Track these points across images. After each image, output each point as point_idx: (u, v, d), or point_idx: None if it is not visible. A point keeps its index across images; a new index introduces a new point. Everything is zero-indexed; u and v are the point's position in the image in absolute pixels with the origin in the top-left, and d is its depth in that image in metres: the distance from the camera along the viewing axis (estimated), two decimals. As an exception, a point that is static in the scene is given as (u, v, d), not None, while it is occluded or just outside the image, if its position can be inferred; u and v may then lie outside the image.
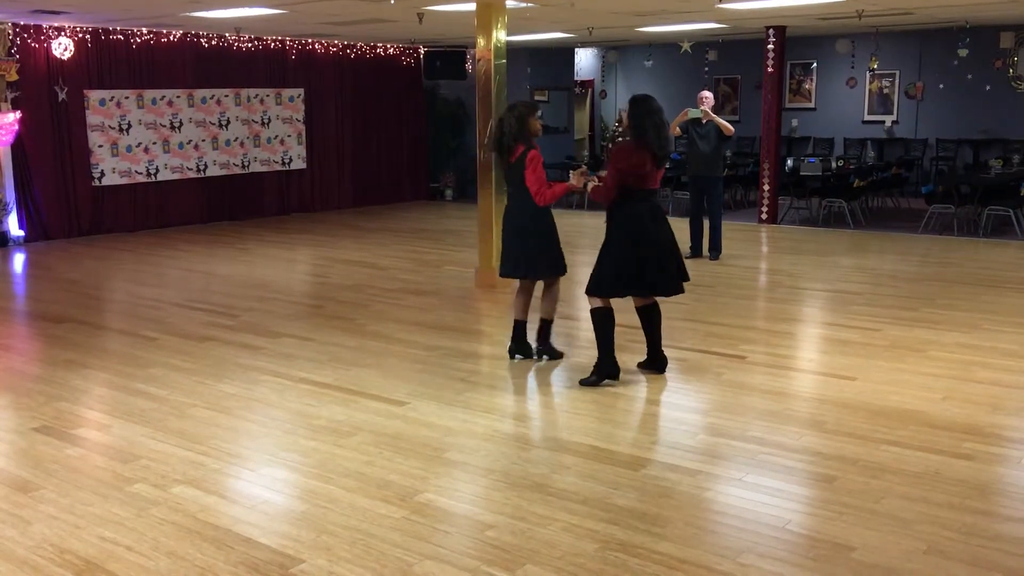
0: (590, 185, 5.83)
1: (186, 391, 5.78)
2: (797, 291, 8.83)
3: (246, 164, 14.56)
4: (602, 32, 14.17)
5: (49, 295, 9.08)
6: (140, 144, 13.19)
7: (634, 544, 3.68)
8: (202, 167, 13.98)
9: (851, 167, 13.74)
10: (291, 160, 15.17)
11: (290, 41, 14.75)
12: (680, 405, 5.50)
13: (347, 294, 8.79)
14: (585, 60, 19.39)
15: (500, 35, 8.75)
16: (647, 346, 5.99)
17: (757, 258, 10.95)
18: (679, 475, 4.39)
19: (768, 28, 13.23)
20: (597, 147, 19.46)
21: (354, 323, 7.58)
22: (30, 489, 4.29)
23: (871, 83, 16.67)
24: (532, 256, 6.17)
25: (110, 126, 12.85)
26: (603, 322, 5.70)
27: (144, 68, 13.11)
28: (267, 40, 14.43)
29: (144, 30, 12.89)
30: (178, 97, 13.55)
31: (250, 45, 14.22)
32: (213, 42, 13.73)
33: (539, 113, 6.23)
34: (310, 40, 14.97)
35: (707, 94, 10.37)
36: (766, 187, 13.43)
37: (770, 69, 13.36)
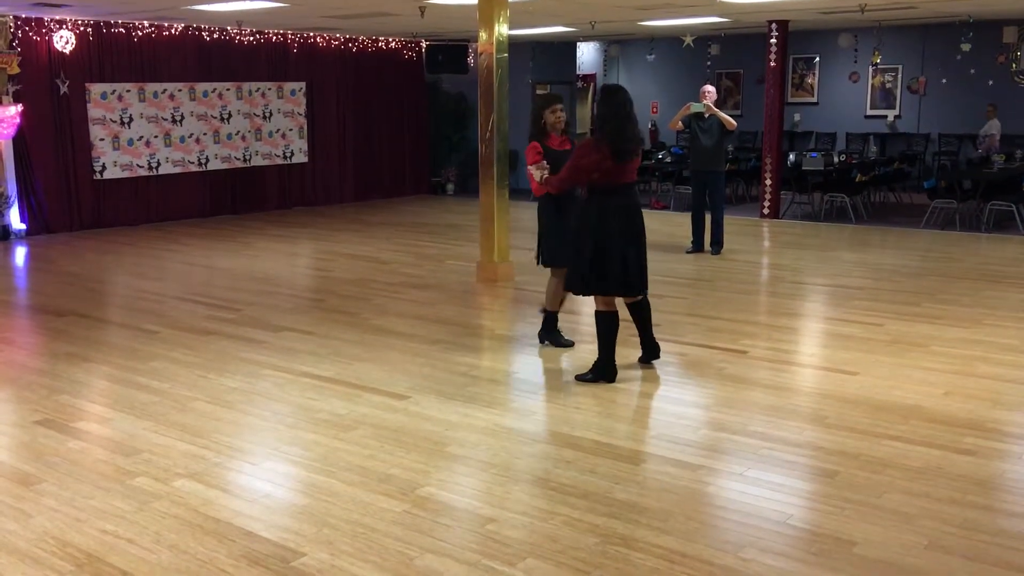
0: (542, 175, 5.87)
1: (187, 384, 5.78)
2: (799, 286, 8.82)
3: (247, 158, 14.55)
4: (604, 26, 14.14)
5: (50, 288, 9.08)
6: (141, 138, 13.19)
7: (635, 538, 3.68)
8: (203, 161, 13.97)
9: (853, 162, 13.72)
10: (292, 154, 15.16)
11: (292, 35, 14.73)
12: (681, 400, 5.50)
13: (348, 288, 8.79)
14: (587, 54, 19.36)
15: (502, 29, 8.73)
16: (640, 339, 6.02)
17: (759, 253, 10.95)
18: (680, 470, 4.39)
19: (770, 22, 13.20)
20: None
21: (356, 317, 7.58)
22: (31, 482, 4.30)
23: (874, 78, 16.65)
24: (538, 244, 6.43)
25: (111, 119, 12.84)
26: (606, 326, 5.68)
27: (145, 61, 13.10)
28: (269, 34, 14.42)
29: (145, 23, 12.87)
30: (179, 91, 13.54)
31: (252, 39, 14.20)
32: (215, 35, 13.72)
33: (556, 106, 6.19)
34: (312, 34, 14.94)
35: (709, 88, 10.35)
36: (768, 182, 13.42)
37: (772, 63, 13.33)
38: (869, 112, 16.87)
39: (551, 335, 6.57)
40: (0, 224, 11.83)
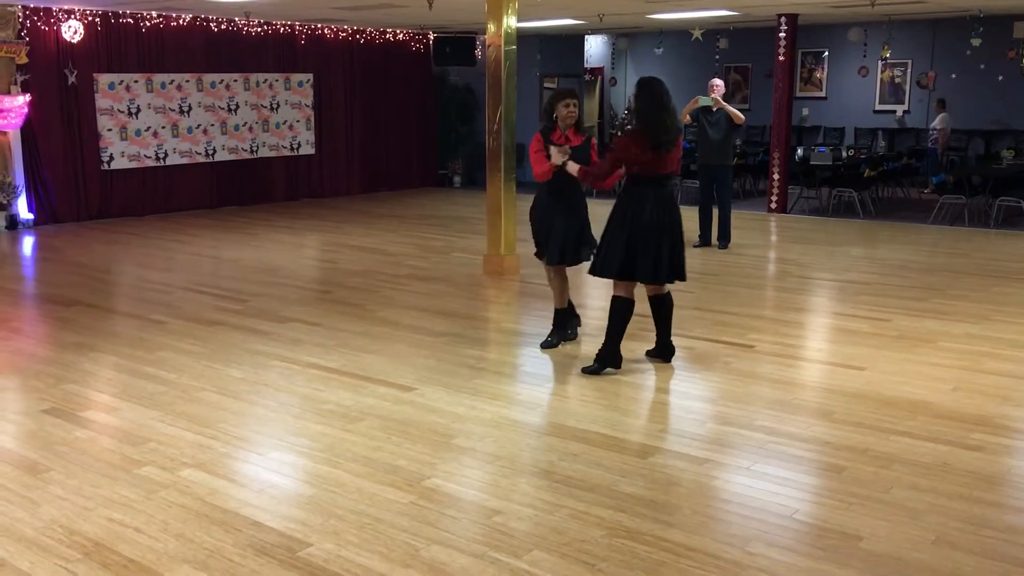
0: (570, 165, 5.81)
1: (194, 375, 5.79)
2: (806, 281, 8.80)
3: (255, 149, 14.55)
4: (612, 19, 14.10)
5: (58, 278, 9.10)
6: (149, 128, 13.20)
7: (641, 531, 3.68)
8: (211, 152, 13.98)
9: (862, 157, 13.67)
10: (300, 145, 15.16)
11: (299, 26, 14.72)
12: (688, 394, 5.49)
13: (355, 280, 8.80)
14: (595, 47, 19.31)
15: (510, 21, 8.71)
16: (656, 335, 5.97)
17: (766, 247, 10.92)
18: (687, 463, 4.39)
19: (780, 16, 13.15)
20: (606, 135, 19.39)
21: (362, 309, 7.58)
22: (39, 471, 4.31)
23: (883, 72, 16.58)
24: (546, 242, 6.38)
25: (119, 110, 12.85)
26: (620, 313, 5.67)
27: (153, 52, 13.11)
28: (276, 25, 14.41)
29: (154, 14, 12.87)
30: (187, 81, 13.55)
31: (259, 30, 14.19)
32: (222, 26, 13.71)
33: (568, 100, 6.10)
34: (319, 25, 14.93)
35: (718, 82, 10.32)
36: (776, 176, 13.38)
37: (781, 57, 13.29)
38: (878, 107, 16.80)
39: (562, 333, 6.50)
40: (8, 214, 11.86)
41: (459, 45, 16.20)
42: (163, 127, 13.37)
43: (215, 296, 8.09)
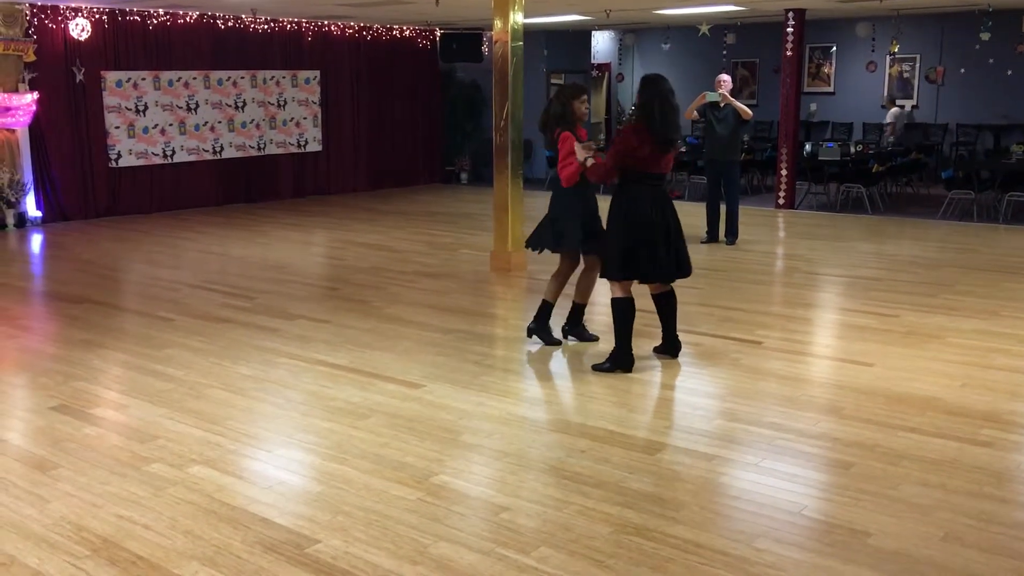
0: (589, 162, 5.77)
1: (202, 372, 5.81)
2: (814, 276, 8.78)
3: (262, 146, 14.57)
4: (619, 15, 14.07)
5: (66, 275, 9.13)
6: (156, 126, 13.22)
7: (649, 528, 3.67)
8: (218, 149, 14.00)
9: (870, 152, 13.62)
10: (307, 142, 15.17)
11: (306, 23, 14.73)
12: (696, 390, 5.48)
13: (362, 277, 8.80)
14: (602, 43, 19.28)
15: (517, 17, 8.70)
16: (662, 331, 5.96)
17: (774, 243, 10.90)
18: (694, 460, 4.38)
19: (787, 11, 13.10)
20: (613, 131, 19.36)
21: (369, 306, 7.59)
22: (48, 467, 4.32)
23: (891, 67, 16.50)
24: (538, 230, 6.29)
25: (127, 107, 12.87)
26: (622, 313, 5.67)
27: (161, 49, 13.13)
28: (283, 22, 14.41)
29: (161, 11, 12.88)
30: (194, 79, 13.56)
31: (266, 27, 14.20)
32: (229, 23, 13.73)
33: (584, 96, 6.06)
34: (326, 22, 14.93)
35: (725, 77, 10.28)
36: (784, 172, 13.34)
37: (789, 52, 13.24)
38: (886, 102, 16.73)
39: (543, 328, 6.38)
40: (16, 211, 11.89)
41: (466, 41, 16.19)
42: (170, 124, 13.39)
43: (223, 293, 8.10)
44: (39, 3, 11.79)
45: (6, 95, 11.51)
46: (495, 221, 9.07)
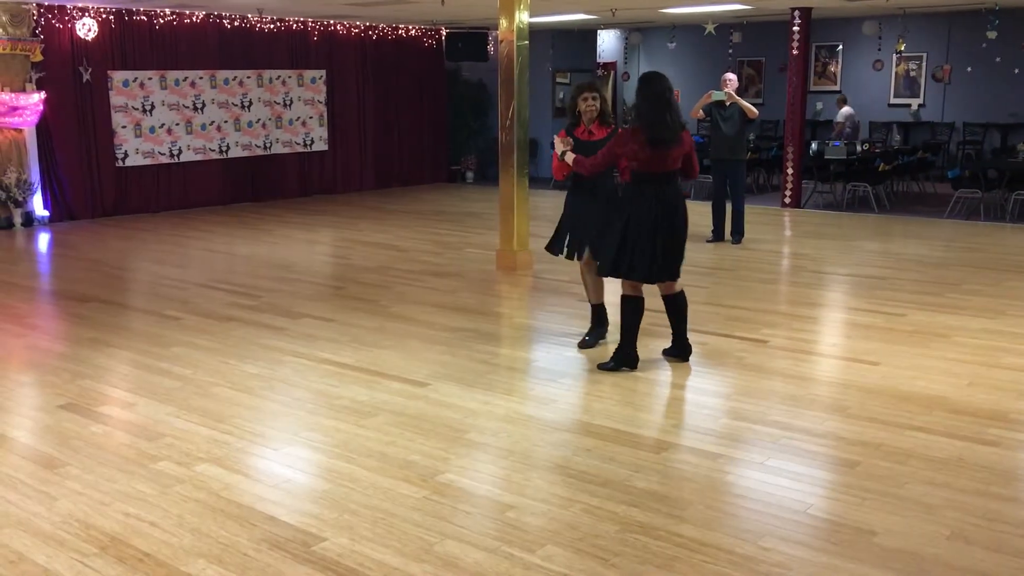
0: (568, 157, 5.77)
1: (209, 370, 5.82)
2: (820, 275, 8.76)
3: (268, 146, 14.60)
4: (625, 13, 14.06)
5: (73, 274, 9.16)
6: (163, 125, 13.25)
7: (655, 526, 3.68)
8: (224, 148, 14.03)
9: (876, 151, 13.60)
10: (313, 142, 15.19)
11: (312, 22, 14.75)
12: (702, 389, 5.48)
13: (368, 276, 8.81)
14: (608, 42, 19.27)
15: (523, 16, 8.70)
16: (672, 333, 5.93)
17: (780, 242, 10.88)
18: (700, 458, 4.38)
19: (793, 9, 13.08)
20: (618, 130, 19.32)
21: (375, 304, 7.60)
22: (56, 466, 4.34)
23: (898, 66, 16.48)
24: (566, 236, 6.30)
25: (133, 107, 12.91)
26: (630, 311, 5.66)
27: (167, 49, 13.16)
28: (289, 21, 14.44)
29: (167, 11, 12.91)
30: (201, 78, 13.59)
31: (272, 26, 14.23)
32: (236, 23, 13.75)
33: (587, 94, 6.04)
34: (332, 21, 14.95)
35: (731, 76, 10.27)
36: (790, 171, 13.33)
37: (795, 51, 13.22)
38: (893, 101, 16.71)
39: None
40: (23, 210, 11.93)
41: (471, 41, 16.19)
42: (177, 124, 13.42)
43: (229, 292, 8.12)
44: (46, 3, 11.83)
45: (13, 95, 11.55)
46: (501, 220, 9.07)
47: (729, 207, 10.43)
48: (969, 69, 15.73)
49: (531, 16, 8.96)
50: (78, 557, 3.48)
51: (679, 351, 5.92)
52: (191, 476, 4.20)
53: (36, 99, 11.75)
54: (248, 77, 14.17)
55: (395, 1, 11.97)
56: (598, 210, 5.96)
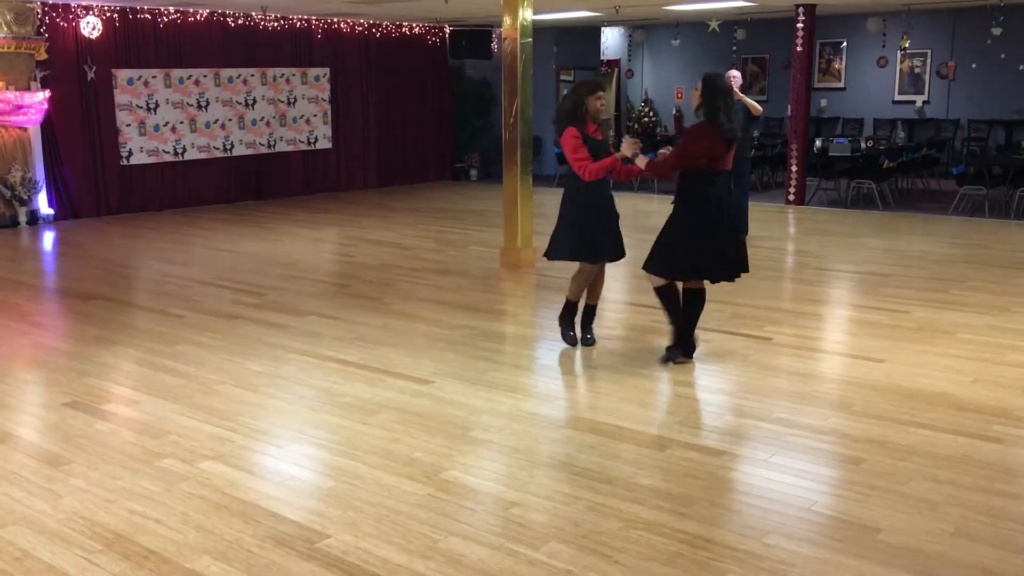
0: (639, 159, 5.66)
1: (214, 368, 5.83)
2: (824, 272, 8.75)
3: (272, 144, 14.61)
4: (629, 11, 14.04)
5: (78, 273, 9.18)
6: (167, 123, 13.27)
7: (659, 523, 3.68)
8: (228, 146, 14.04)
9: (881, 148, 13.57)
10: (316, 140, 15.20)
11: (316, 20, 14.75)
12: (706, 386, 5.48)
13: (372, 273, 8.82)
14: (611, 39, 19.25)
15: (526, 14, 8.70)
16: (679, 330, 5.78)
17: (784, 239, 10.87)
18: (704, 455, 4.38)
19: (797, 6, 13.06)
20: (623, 128, 19.33)
21: (379, 302, 7.61)
22: (61, 463, 4.35)
23: (902, 62, 16.45)
24: (555, 236, 6.05)
25: (138, 105, 12.92)
26: (698, 303, 5.67)
27: (171, 47, 13.17)
28: (293, 19, 14.44)
29: (171, 9, 12.92)
30: (205, 76, 13.60)
31: (276, 24, 14.23)
32: (239, 21, 13.76)
33: (600, 93, 5.88)
34: (335, 19, 14.96)
35: (735, 73, 10.26)
36: (794, 168, 13.31)
37: (799, 48, 13.20)
38: (897, 97, 16.67)
39: (569, 327, 6.22)
40: (28, 209, 11.95)
41: (475, 38, 16.18)
42: (181, 122, 13.43)
43: (233, 290, 8.13)
44: (50, 1, 11.84)
45: (18, 93, 11.57)
46: (505, 218, 9.07)
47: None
48: (974, 65, 15.70)
49: (535, 13, 8.96)
50: (83, 554, 3.49)
51: (685, 348, 5.84)
52: (196, 473, 4.21)
53: (40, 97, 11.77)
54: (252, 75, 14.18)
55: (399, -1, 11.97)
56: (612, 209, 5.94)
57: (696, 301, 5.76)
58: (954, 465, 4.22)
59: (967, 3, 13.89)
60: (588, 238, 5.91)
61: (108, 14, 12.43)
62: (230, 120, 14.01)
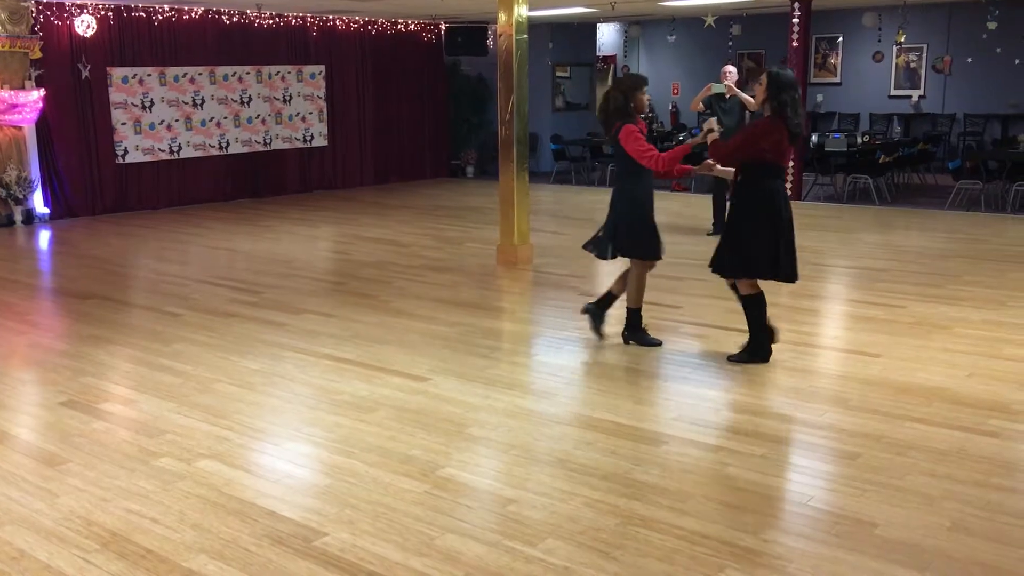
0: (711, 137, 5.62)
1: (210, 367, 5.83)
2: (821, 268, 8.76)
3: (268, 141, 14.59)
4: (625, 6, 14.04)
5: (74, 272, 9.16)
6: (163, 122, 13.25)
7: (656, 519, 3.68)
8: (224, 144, 14.02)
9: (877, 143, 13.57)
10: (312, 137, 15.19)
11: (311, 18, 14.73)
12: (703, 381, 5.48)
13: (369, 271, 8.81)
14: (607, 35, 19.24)
15: (522, 10, 8.68)
16: (752, 334, 5.73)
17: (780, 235, 10.85)
18: (701, 451, 4.38)
19: (793, 1, 13.05)
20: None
21: (376, 300, 7.60)
22: (57, 462, 4.35)
23: (898, 57, 16.45)
24: (612, 235, 5.96)
25: (133, 104, 12.90)
26: (760, 307, 5.64)
27: (166, 45, 13.15)
28: (288, 17, 14.42)
29: (166, 7, 12.90)
30: (200, 74, 13.58)
31: (271, 22, 14.21)
32: (234, 19, 13.73)
33: (646, 87, 5.90)
34: (331, 17, 14.93)
35: (731, 69, 10.26)
36: (790, 163, 13.29)
37: (795, 43, 13.19)
38: (893, 92, 16.68)
39: (636, 334, 6.10)
40: (24, 208, 11.93)
41: (471, 35, 16.17)
42: (176, 120, 13.41)
43: (230, 288, 8.12)
44: (44, 0, 11.81)
45: (13, 92, 11.54)
46: (501, 215, 9.07)
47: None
48: (969, 60, 15.71)
49: (530, 10, 8.95)
50: (80, 553, 3.48)
51: (762, 354, 5.73)
52: (192, 472, 4.21)
53: (35, 96, 11.74)
54: (247, 73, 14.16)
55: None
56: (647, 214, 5.91)
57: (756, 306, 5.67)
58: (950, 460, 4.23)
59: (962, -3, 13.90)
60: (658, 236, 5.97)
61: (103, 12, 12.40)
62: (226, 118, 13.99)
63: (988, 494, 3.88)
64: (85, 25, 12.16)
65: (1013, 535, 3.54)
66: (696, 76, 17.38)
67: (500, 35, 8.80)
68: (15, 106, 11.57)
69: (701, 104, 10.24)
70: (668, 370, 5.68)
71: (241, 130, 14.21)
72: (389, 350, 6.12)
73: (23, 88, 11.70)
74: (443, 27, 16.54)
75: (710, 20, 14.64)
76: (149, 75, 13.02)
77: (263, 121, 14.48)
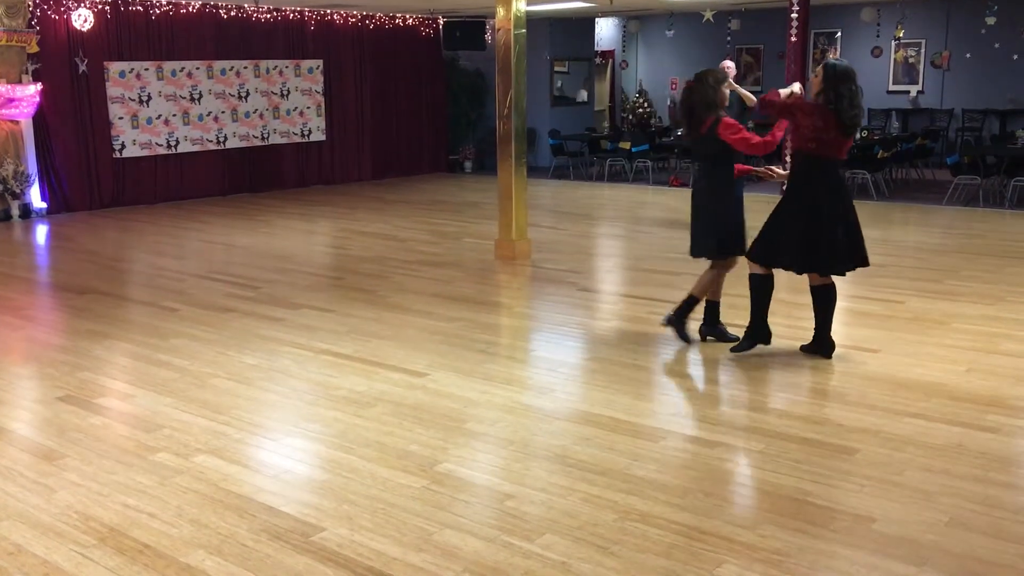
0: (793, 97, 5.58)
1: (208, 362, 5.82)
2: (819, 263, 8.74)
3: (265, 136, 14.56)
4: (623, 1, 14.02)
5: (71, 266, 9.15)
6: (160, 116, 13.22)
7: (653, 515, 3.68)
8: (222, 139, 14.00)
9: (875, 138, 13.56)
10: (310, 132, 15.16)
11: (309, 12, 14.70)
12: (701, 377, 5.49)
13: (367, 266, 8.80)
14: (606, 30, 19.20)
15: (520, 5, 8.66)
16: (815, 328, 5.73)
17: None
18: (699, 446, 4.38)
19: (792, -4, 13.03)
20: (618, 119, 19.31)
21: (374, 295, 7.59)
22: (55, 457, 4.34)
23: (896, 52, 16.43)
24: (702, 234, 5.97)
25: (130, 98, 12.87)
26: (760, 288, 5.61)
27: (163, 40, 13.12)
28: (286, 11, 14.38)
29: (163, 1, 12.87)
30: (197, 69, 13.55)
31: (269, 16, 14.17)
32: (232, 13, 13.70)
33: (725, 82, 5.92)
34: (329, 11, 14.90)
35: (729, 64, 10.22)
36: (788, 158, 13.29)
37: (793, 38, 13.17)
38: (891, 87, 16.67)
39: (714, 329, 6.04)
40: (21, 202, 11.91)
41: (469, 30, 16.14)
42: (174, 115, 13.39)
43: (227, 283, 8.11)
44: (41, -6, 11.79)
45: (10, 86, 11.51)
46: (499, 210, 9.06)
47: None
48: (968, 55, 15.69)
49: (528, 4, 8.92)
50: (77, 548, 3.48)
51: (820, 347, 5.71)
52: (190, 467, 4.20)
53: (32, 91, 11.71)
54: (245, 67, 14.13)
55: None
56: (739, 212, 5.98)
57: (822, 297, 5.64)
58: (948, 455, 4.23)
59: (961, -7, 13.88)
60: (744, 233, 5.95)
61: (100, 7, 12.37)
62: (223, 112, 13.96)
63: (986, 489, 3.88)
64: (82, 19, 12.12)
65: (1011, 530, 3.54)
66: (695, 71, 17.30)
67: (498, 30, 8.78)
68: (12, 100, 11.54)
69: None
70: (666, 366, 5.68)
71: (238, 124, 14.18)
72: (387, 345, 6.11)
73: (20, 82, 11.67)
74: (441, 22, 16.51)
75: (709, 15, 14.62)
76: (146, 69, 12.99)
77: (261, 116, 14.45)
